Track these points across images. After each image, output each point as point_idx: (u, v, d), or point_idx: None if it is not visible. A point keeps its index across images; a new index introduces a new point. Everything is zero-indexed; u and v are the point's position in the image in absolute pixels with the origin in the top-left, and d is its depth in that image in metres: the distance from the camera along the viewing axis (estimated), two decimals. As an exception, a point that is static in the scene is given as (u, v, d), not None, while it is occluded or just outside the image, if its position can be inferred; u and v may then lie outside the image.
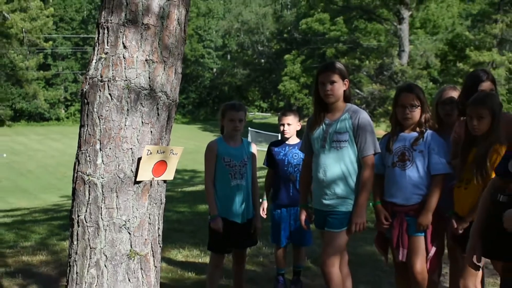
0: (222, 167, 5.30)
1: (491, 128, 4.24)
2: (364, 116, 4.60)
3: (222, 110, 5.43)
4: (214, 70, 77.48)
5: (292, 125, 5.99)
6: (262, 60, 69.08)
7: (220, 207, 5.30)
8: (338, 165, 4.65)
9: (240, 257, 5.62)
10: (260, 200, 6.15)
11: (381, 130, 30.04)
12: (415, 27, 46.27)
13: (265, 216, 6.15)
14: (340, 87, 4.67)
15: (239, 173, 5.32)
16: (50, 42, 32.69)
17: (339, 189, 4.66)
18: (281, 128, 6.02)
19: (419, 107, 4.70)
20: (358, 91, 37.60)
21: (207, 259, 6.04)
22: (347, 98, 4.77)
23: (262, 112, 73.44)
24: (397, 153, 4.75)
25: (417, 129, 4.76)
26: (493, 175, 4.10)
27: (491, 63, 35.23)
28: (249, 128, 47.72)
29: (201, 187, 20.08)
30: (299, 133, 6.18)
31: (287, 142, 6.06)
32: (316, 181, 4.82)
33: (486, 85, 4.84)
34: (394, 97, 4.98)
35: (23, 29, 23.10)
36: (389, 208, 4.78)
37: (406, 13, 35.64)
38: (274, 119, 56.78)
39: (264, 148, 6.72)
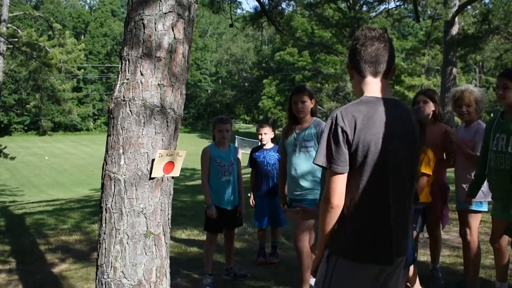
0: (215, 167, 5.34)
1: (420, 135, 4.29)
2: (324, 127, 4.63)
3: (213, 123, 5.50)
4: (209, 91, 77.41)
5: (267, 134, 6.11)
6: (246, 84, 69.13)
7: (213, 197, 5.32)
8: (306, 164, 4.69)
9: (229, 235, 5.64)
10: (249, 194, 6.21)
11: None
12: (363, 58, 46.49)
13: (253, 205, 6.23)
14: (309, 105, 4.77)
15: (228, 171, 5.36)
16: (82, 70, 32.49)
17: (307, 182, 4.70)
18: (260, 137, 6.11)
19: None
20: (320, 107, 37.70)
21: (204, 237, 6.03)
22: (313, 113, 4.84)
23: (246, 123, 73.41)
24: None
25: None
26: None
27: (420, 86, 35.43)
28: (236, 136, 47.79)
29: (199, 182, 20.06)
30: (274, 139, 6.25)
31: (264, 147, 6.14)
32: (289, 177, 4.87)
33: (419, 98, 4.91)
34: None
35: (61, 60, 22.90)
36: None
37: (356, 48, 35.78)
38: (255, 129, 56.91)
39: (248, 151, 6.75)
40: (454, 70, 20.65)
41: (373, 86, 2.46)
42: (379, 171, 2.32)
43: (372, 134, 2.30)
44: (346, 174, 2.33)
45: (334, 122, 2.33)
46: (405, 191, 2.43)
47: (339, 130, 2.30)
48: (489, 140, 4.26)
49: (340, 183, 2.32)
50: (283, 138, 5.00)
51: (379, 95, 2.43)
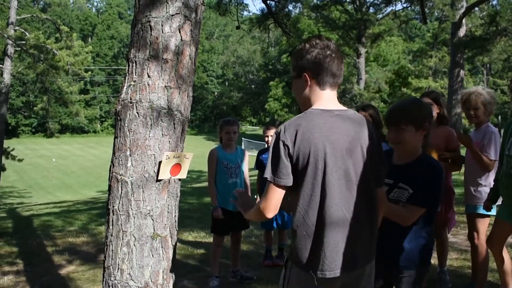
0: (221, 169, 5.31)
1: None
2: None
3: (220, 125, 5.46)
4: (215, 93, 77.52)
5: None
6: (253, 86, 69.19)
7: (220, 199, 5.30)
8: None
9: (236, 238, 5.62)
10: (255, 196, 6.19)
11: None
12: (369, 60, 46.50)
13: None
14: None
15: (235, 173, 5.34)
16: (89, 72, 32.55)
17: None
18: (266, 139, 6.06)
19: None
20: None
21: (211, 239, 6.02)
22: None
23: (252, 125, 73.47)
24: None
25: None
26: None
27: (427, 88, 35.35)
28: (242, 138, 47.77)
29: (205, 184, 20.06)
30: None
31: None
32: None
33: (425, 99, 4.86)
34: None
35: (68, 63, 22.96)
36: None
37: (362, 50, 35.73)
38: (261, 131, 56.94)
39: (255, 153, 6.73)
40: (462, 72, 20.58)
41: (327, 99, 2.49)
42: (319, 182, 2.36)
43: (311, 146, 2.34)
44: (287, 187, 2.39)
45: (277, 136, 2.39)
46: (358, 199, 2.43)
47: (281, 144, 2.36)
48: (505, 144, 4.19)
49: (278, 195, 2.39)
50: None
51: (330, 107, 2.46)
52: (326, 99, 2.47)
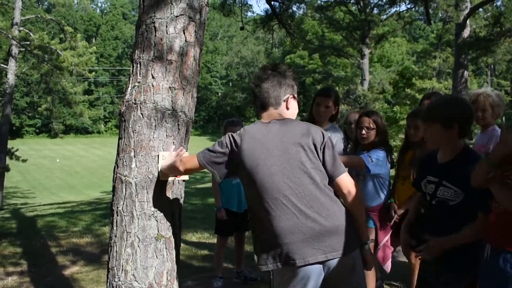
0: None
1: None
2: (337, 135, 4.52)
3: (224, 126, 5.43)
4: (219, 94, 77.52)
5: None
6: (256, 87, 69.12)
7: (223, 200, 5.30)
8: None
9: (240, 238, 5.62)
10: None
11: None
12: (373, 61, 46.42)
13: None
14: (331, 111, 4.49)
15: None
16: (93, 73, 32.64)
17: None
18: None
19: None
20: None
21: (215, 240, 6.00)
22: (333, 118, 4.58)
23: (256, 126, 73.27)
24: None
25: None
26: None
27: (431, 89, 35.26)
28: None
29: (209, 185, 20.04)
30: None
31: None
32: None
33: (425, 103, 4.85)
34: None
35: (72, 63, 23.01)
36: None
37: (366, 51, 35.67)
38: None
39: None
40: (466, 73, 20.51)
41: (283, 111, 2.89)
42: (257, 181, 2.66)
43: (250, 150, 2.68)
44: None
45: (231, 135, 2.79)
46: (300, 195, 2.63)
47: (230, 140, 2.77)
48: None
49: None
50: None
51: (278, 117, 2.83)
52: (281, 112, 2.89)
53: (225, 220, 5.26)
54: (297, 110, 2.96)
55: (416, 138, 4.34)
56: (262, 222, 2.69)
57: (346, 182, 2.75)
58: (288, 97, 2.86)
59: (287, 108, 2.87)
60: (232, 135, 2.76)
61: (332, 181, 2.73)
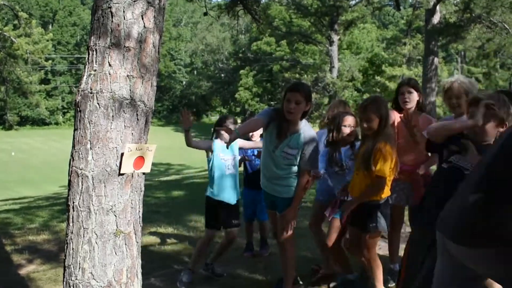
0: (219, 161, 5.29)
1: (378, 129, 4.13)
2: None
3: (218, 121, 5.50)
4: (184, 83, 76.98)
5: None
6: (222, 75, 68.87)
7: (217, 192, 5.31)
8: (278, 171, 4.62)
9: (232, 236, 5.46)
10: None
11: (316, 128, 30.25)
12: (342, 48, 46.76)
13: None
14: (302, 107, 4.37)
15: (231, 165, 5.34)
16: (50, 61, 32.11)
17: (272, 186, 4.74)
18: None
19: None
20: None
21: (180, 235, 5.98)
22: (304, 115, 4.48)
23: (222, 116, 73.16)
24: None
25: None
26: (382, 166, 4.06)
27: (401, 76, 35.74)
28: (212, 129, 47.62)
29: (174, 177, 19.95)
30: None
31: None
32: (261, 172, 4.86)
33: (404, 89, 4.90)
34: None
35: (27, 51, 22.59)
36: None
37: (335, 37, 35.93)
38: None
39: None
40: (436, 60, 20.85)
41: None
42: None
43: None
44: None
45: None
46: None
47: None
48: None
49: None
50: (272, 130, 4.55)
51: None
52: None
53: (215, 212, 5.30)
54: None
55: (369, 131, 4.25)
56: None
57: None
58: None
59: None
60: None
61: None
